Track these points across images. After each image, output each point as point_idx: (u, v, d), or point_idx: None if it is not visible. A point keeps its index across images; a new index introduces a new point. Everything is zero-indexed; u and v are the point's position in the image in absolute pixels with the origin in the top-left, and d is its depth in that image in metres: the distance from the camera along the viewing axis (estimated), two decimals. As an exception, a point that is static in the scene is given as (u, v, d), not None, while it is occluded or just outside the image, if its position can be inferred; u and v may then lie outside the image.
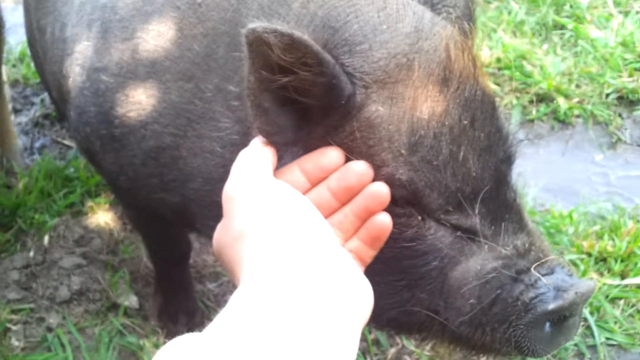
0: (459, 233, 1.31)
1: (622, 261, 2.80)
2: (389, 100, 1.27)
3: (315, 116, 1.30)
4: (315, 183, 1.28)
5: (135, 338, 2.52)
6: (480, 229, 1.30)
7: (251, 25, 1.17)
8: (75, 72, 1.85)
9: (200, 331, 2.54)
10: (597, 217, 3.10)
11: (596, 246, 2.84)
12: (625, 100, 3.84)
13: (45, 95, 3.73)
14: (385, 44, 1.29)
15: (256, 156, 1.23)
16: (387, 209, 1.27)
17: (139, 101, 1.66)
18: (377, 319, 1.45)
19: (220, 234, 1.21)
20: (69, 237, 2.79)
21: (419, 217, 1.30)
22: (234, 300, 0.98)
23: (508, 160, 1.37)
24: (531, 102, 3.80)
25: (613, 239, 2.90)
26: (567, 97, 3.78)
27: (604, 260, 2.83)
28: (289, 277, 1.00)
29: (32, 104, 3.74)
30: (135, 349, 2.49)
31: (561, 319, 1.28)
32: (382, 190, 1.24)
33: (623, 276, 2.75)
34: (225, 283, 2.75)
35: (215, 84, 1.54)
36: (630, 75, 3.90)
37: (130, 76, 1.68)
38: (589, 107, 3.74)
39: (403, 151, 1.26)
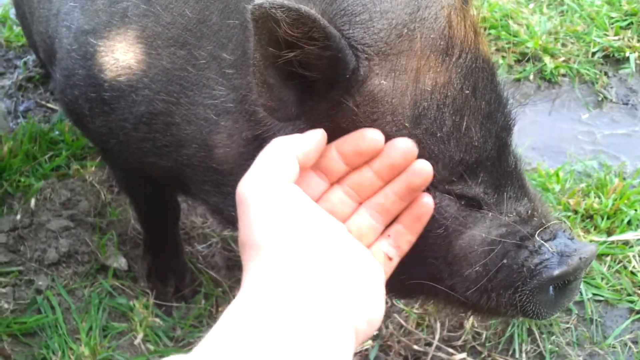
0: (463, 202, 1.31)
1: (608, 218, 2.82)
2: (392, 72, 1.26)
3: (318, 90, 1.29)
4: (353, 166, 1.26)
5: (125, 299, 2.52)
6: (484, 197, 1.31)
7: (257, 1, 1.15)
8: (61, 33, 1.81)
9: (189, 292, 2.52)
10: (583, 175, 3.12)
11: (582, 204, 2.86)
12: (611, 59, 3.84)
13: (29, 58, 3.68)
14: (385, 13, 1.26)
15: (278, 155, 1.18)
16: None
17: (129, 66, 1.63)
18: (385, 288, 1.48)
19: (239, 234, 1.20)
20: (55, 200, 2.77)
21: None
22: (226, 318, 1.00)
23: (508, 126, 1.37)
24: (517, 61, 3.79)
25: (599, 197, 2.91)
26: (553, 56, 3.78)
27: (591, 217, 2.85)
28: (285, 300, 1.02)
29: (15, 67, 3.69)
30: (125, 310, 2.49)
31: (565, 282, 1.29)
32: (425, 167, 1.23)
33: (609, 233, 2.77)
34: (214, 244, 2.75)
35: (208, 51, 1.52)
36: (616, 34, 3.89)
37: (120, 40, 1.64)
38: (575, 66, 3.74)
39: (407, 124, 1.25)
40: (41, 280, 2.51)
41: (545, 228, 1.31)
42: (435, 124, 1.25)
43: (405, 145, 1.23)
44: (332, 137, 1.31)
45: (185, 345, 2.43)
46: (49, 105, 3.45)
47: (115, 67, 1.66)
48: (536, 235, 1.29)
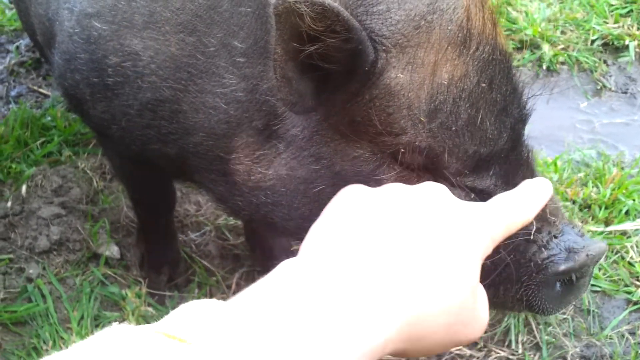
0: (473, 195, 1.30)
1: (606, 208, 2.80)
2: (409, 66, 1.24)
3: (335, 82, 1.28)
4: None
5: (117, 288, 2.49)
6: (495, 190, 1.30)
7: None
8: (63, 16, 1.77)
9: (183, 281, 2.45)
10: (581, 164, 3.09)
11: (580, 193, 2.84)
12: (611, 47, 3.80)
13: (21, 42, 3.63)
14: (403, 4, 1.25)
15: None
16: (402, 176, 1.27)
17: (135, 52, 1.59)
18: None
19: None
20: (47, 187, 2.74)
21: None
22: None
23: (523, 119, 1.35)
24: (516, 48, 3.75)
25: (597, 186, 2.89)
26: (552, 43, 3.74)
27: (588, 207, 2.82)
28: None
29: (7, 51, 3.64)
30: (118, 299, 2.46)
31: (572, 279, 1.28)
32: None
33: (607, 223, 2.75)
34: (207, 233, 2.72)
35: (219, 39, 1.49)
36: (616, 22, 3.85)
37: (126, 24, 1.60)
38: (574, 53, 3.71)
39: (422, 118, 1.24)
40: (32, 269, 2.48)
41: (554, 223, 1.29)
42: (451, 118, 1.24)
43: None
44: (346, 131, 1.30)
45: (177, 334, 2.40)
46: (41, 90, 3.40)
47: (120, 53, 1.62)
48: (545, 231, 1.27)
